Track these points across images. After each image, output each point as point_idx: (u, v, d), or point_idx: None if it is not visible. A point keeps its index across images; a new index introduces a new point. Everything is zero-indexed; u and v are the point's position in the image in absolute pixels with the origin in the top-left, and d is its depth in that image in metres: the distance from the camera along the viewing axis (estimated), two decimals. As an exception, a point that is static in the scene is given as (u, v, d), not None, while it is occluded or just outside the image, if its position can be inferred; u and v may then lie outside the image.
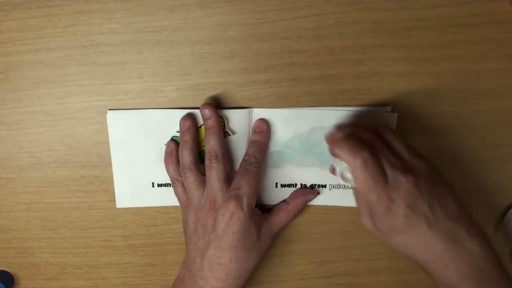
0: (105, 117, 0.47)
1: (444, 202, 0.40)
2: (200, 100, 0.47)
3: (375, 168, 0.39)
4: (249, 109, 0.47)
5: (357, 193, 0.43)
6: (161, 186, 0.49)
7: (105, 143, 0.48)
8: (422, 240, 0.40)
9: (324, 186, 0.50)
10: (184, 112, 0.47)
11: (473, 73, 0.47)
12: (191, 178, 0.45)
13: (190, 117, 0.46)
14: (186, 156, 0.46)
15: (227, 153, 0.47)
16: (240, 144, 0.48)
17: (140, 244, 0.51)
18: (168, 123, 0.47)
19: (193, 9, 0.44)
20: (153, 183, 0.49)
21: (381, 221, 0.41)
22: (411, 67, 0.46)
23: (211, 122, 0.45)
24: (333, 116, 0.47)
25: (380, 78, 0.47)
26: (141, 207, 0.50)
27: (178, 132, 0.47)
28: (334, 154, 0.42)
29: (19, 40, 0.45)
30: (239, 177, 0.45)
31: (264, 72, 0.46)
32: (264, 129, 0.47)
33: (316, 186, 0.50)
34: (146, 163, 0.48)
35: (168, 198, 0.49)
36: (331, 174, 0.47)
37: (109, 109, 0.47)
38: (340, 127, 0.43)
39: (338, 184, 0.49)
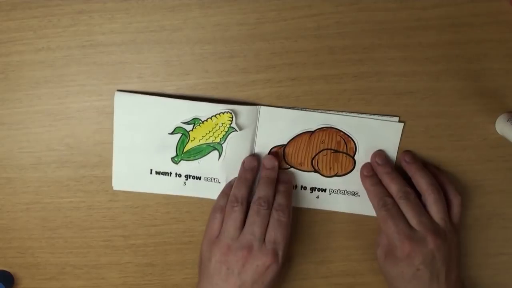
0: (105, 117, 0.47)
1: (450, 273, 0.45)
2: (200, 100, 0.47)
3: (398, 220, 0.45)
4: (257, 106, 0.47)
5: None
6: (159, 174, 0.49)
7: (105, 143, 0.48)
8: None
9: (324, 190, 0.50)
10: (193, 103, 0.46)
11: (473, 73, 0.47)
12: (237, 215, 0.44)
13: (257, 159, 0.48)
14: (243, 190, 0.46)
15: None
16: (244, 141, 0.48)
17: (140, 244, 0.51)
18: (175, 112, 0.46)
19: (193, 9, 0.44)
20: (151, 170, 0.49)
21: (394, 262, 0.45)
22: (411, 67, 0.46)
23: (273, 174, 0.47)
24: (340, 121, 0.47)
25: (380, 78, 0.47)
26: (141, 207, 0.50)
27: (183, 123, 0.47)
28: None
29: (19, 40, 0.45)
30: (274, 229, 0.44)
31: (264, 72, 0.46)
32: (275, 166, 0.48)
33: (316, 189, 0.50)
34: (147, 149, 0.48)
35: (165, 186, 0.49)
36: (331, 179, 0.49)
37: (118, 90, 0.46)
38: (388, 164, 0.48)
39: (338, 189, 0.49)
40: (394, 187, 0.46)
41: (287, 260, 0.52)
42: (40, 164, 0.48)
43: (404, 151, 0.48)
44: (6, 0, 0.44)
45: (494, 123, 0.48)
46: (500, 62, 0.47)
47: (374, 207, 0.47)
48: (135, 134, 0.47)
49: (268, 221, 0.44)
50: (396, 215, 0.45)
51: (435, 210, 0.45)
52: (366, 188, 0.48)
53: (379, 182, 0.47)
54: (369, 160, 0.49)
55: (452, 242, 0.46)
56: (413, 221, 0.45)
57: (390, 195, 0.46)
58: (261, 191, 0.46)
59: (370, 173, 0.48)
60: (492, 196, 0.50)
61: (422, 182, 0.46)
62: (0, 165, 0.48)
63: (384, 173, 0.47)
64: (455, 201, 0.47)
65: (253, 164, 0.48)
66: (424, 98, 0.47)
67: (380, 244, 0.48)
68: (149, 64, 0.46)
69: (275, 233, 0.44)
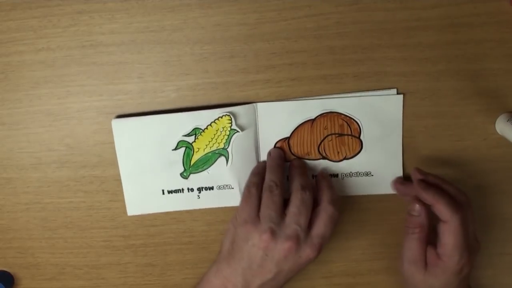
0: (105, 117, 0.47)
1: None
2: (200, 100, 0.47)
3: (467, 231, 0.43)
4: (254, 104, 0.47)
5: (420, 243, 0.45)
6: (171, 193, 0.49)
7: (105, 143, 0.48)
8: None
9: (336, 175, 0.49)
10: (189, 113, 0.46)
11: (473, 73, 0.47)
12: (278, 198, 0.43)
13: (281, 150, 0.48)
14: (279, 174, 0.45)
15: None
16: (248, 141, 0.48)
17: (140, 244, 0.51)
18: (174, 126, 0.47)
19: (193, 9, 0.44)
20: (163, 191, 0.48)
21: (442, 277, 0.44)
22: (411, 67, 0.46)
23: (302, 163, 0.48)
24: (339, 104, 0.47)
25: (380, 78, 0.47)
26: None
27: (184, 135, 0.47)
28: (423, 199, 0.44)
29: (19, 40, 0.45)
30: (325, 224, 0.43)
31: (264, 72, 0.46)
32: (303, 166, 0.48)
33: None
34: (154, 170, 0.48)
35: (179, 203, 0.49)
36: (341, 163, 0.48)
37: (115, 117, 0.47)
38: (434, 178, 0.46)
39: (350, 172, 0.49)
40: (460, 195, 0.45)
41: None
42: (40, 164, 0.48)
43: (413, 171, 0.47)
44: (6, 0, 0.44)
45: (494, 123, 0.48)
46: (500, 62, 0.47)
47: (443, 217, 0.43)
48: (139, 158, 0.47)
49: (311, 212, 0.43)
50: (467, 228, 0.43)
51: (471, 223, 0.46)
52: (430, 201, 0.43)
53: (445, 192, 0.44)
54: (374, 138, 0.48)
55: None
56: (471, 230, 0.44)
57: (459, 205, 0.43)
58: (301, 180, 0.45)
59: (427, 186, 0.44)
60: (492, 196, 0.50)
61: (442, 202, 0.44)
62: (0, 165, 0.48)
63: (441, 182, 0.45)
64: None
65: (280, 153, 0.47)
66: (424, 98, 0.47)
67: (415, 259, 0.45)
68: (149, 64, 0.46)
69: (325, 229, 0.42)
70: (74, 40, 0.45)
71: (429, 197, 0.43)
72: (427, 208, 0.44)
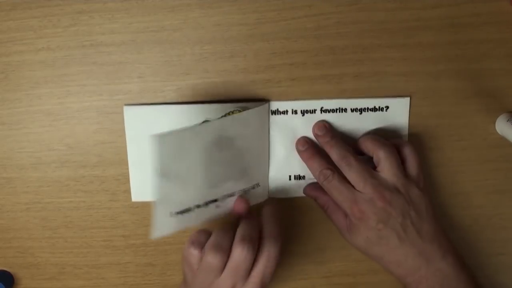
0: (105, 117, 0.47)
1: (421, 226, 0.43)
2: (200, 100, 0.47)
3: (340, 186, 0.43)
4: (267, 102, 0.46)
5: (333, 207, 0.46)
6: None
7: (105, 143, 0.48)
8: (395, 254, 0.43)
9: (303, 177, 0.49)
10: (202, 106, 0.46)
11: (473, 73, 0.47)
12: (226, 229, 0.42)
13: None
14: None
15: None
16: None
17: (140, 244, 0.51)
18: (185, 118, 0.46)
19: (193, 9, 0.44)
20: None
21: (356, 231, 0.44)
22: (411, 67, 0.46)
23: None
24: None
25: (380, 78, 0.47)
26: (141, 206, 0.50)
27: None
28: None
29: (19, 40, 0.45)
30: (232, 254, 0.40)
31: (264, 72, 0.46)
32: None
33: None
34: None
35: None
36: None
37: (126, 104, 0.46)
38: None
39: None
40: (333, 155, 0.44)
41: (287, 259, 0.52)
42: (40, 164, 0.48)
43: (317, 124, 0.47)
44: (6, 0, 0.44)
45: (494, 123, 0.48)
46: (500, 62, 0.47)
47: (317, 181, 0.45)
48: (148, 145, 0.47)
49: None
50: (338, 185, 0.43)
51: (387, 166, 0.43)
52: (305, 163, 0.47)
53: (316, 154, 0.46)
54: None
55: (412, 195, 0.43)
56: (359, 186, 0.43)
57: (329, 165, 0.44)
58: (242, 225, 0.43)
59: (305, 147, 0.47)
60: (492, 196, 0.50)
61: (367, 143, 0.45)
62: (0, 165, 0.48)
63: (323, 143, 0.46)
64: (407, 151, 0.45)
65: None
66: (424, 98, 0.47)
67: (339, 225, 0.46)
68: (149, 64, 0.46)
69: (233, 256, 0.40)
70: (74, 40, 0.45)
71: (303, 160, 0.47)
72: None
